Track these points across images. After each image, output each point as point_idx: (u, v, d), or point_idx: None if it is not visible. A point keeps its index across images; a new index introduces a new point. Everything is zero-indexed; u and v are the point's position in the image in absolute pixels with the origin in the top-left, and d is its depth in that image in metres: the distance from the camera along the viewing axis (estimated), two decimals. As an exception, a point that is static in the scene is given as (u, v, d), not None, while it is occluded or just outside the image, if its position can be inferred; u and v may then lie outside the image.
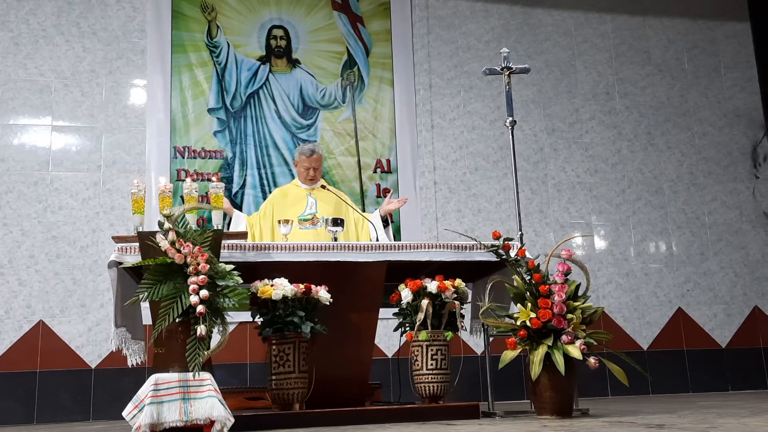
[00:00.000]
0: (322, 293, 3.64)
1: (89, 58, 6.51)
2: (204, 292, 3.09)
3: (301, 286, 3.58)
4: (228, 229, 4.73)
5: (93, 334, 5.99)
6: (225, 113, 6.64)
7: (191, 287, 3.09)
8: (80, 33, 6.53)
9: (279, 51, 6.87)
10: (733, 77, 7.73)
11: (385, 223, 5.09)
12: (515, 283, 3.72)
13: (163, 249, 3.15)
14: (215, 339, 3.11)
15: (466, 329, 4.06)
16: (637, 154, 7.35)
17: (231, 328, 3.33)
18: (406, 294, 3.86)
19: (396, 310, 3.99)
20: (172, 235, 3.17)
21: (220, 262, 3.27)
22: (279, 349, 3.58)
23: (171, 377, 3.05)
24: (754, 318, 7.15)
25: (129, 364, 3.85)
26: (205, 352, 3.07)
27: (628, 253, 7.09)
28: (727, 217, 7.37)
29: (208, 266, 3.14)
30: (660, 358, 6.84)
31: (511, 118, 4.68)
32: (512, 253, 3.91)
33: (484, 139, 7.06)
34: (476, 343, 6.30)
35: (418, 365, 3.85)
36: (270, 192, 5.99)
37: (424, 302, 3.80)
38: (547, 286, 3.61)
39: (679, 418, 3.21)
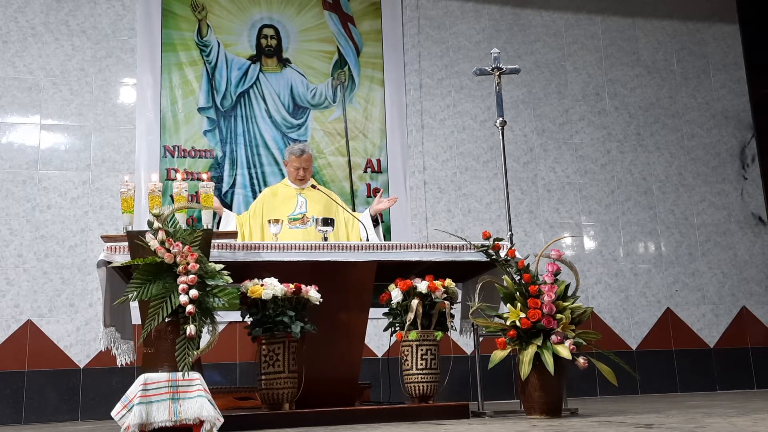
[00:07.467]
0: (312, 293, 3.64)
1: (78, 56, 6.48)
2: (193, 292, 3.08)
3: (291, 285, 3.57)
4: (218, 228, 4.72)
5: (81, 334, 5.96)
6: (215, 112, 6.62)
7: (181, 287, 3.08)
8: (69, 31, 6.50)
9: (269, 50, 6.86)
10: (722, 79, 7.77)
11: (375, 222, 5.10)
12: (505, 283, 3.73)
13: (152, 248, 3.14)
14: (205, 339, 3.10)
15: (455, 329, 4.07)
16: (627, 155, 7.39)
17: (220, 327, 3.33)
18: (396, 294, 3.86)
19: (386, 309, 3.99)
20: (161, 235, 3.16)
21: (210, 261, 3.26)
22: (269, 348, 3.58)
23: (160, 377, 3.04)
24: (742, 318, 7.20)
25: (118, 363, 3.84)
26: (195, 352, 3.06)
27: (617, 254, 7.12)
28: (715, 217, 7.41)
29: (198, 266, 3.13)
30: (648, 358, 6.87)
31: (501, 119, 4.69)
32: (502, 254, 3.92)
33: (475, 139, 7.07)
34: (466, 343, 6.31)
35: (407, 365, 3.86)
36: (260, 191, 5.98)
37: (414, 302, 3.80)
38: (537, 286, 3.62)
39: (668, 418, 3.22)
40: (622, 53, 7.62)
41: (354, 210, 6.19)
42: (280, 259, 3.80)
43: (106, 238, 3.66)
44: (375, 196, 6.11)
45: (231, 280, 3.26)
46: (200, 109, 6.60)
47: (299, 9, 6.99)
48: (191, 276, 3.10)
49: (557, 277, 3.68)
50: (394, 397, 4.41)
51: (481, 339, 4.17)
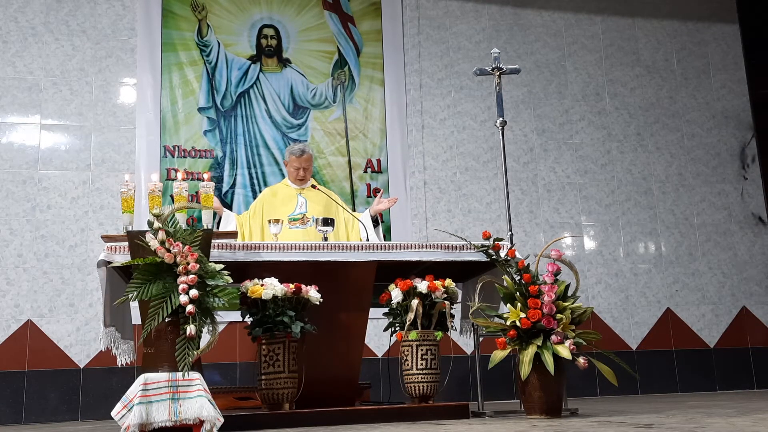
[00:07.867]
0: (312, 293, 3.64)
1: (78, 56, 6.48)
2: (193, 292, 3.08)
3: (291, 285, 3.57)
4: (218, 228, 4.72)
5: (82, 334, 5.96)
6: (215, 112, 6.62)
7: (181, 287, 3.08)
8: (69, 31, 6.50)
9: (269, 50, 6.86)
10: (722, 79, 7.77)
11: (375, 222, 5.09)
12: (505, 284, 3.73)
13: (152, 248, 3.14)
14: (205, 339, 3.10)
15: (456, 329, 4.07)
16: (627, 155, 7.39)
17: (221, 327, 3.33)
18: (396, 294, 3.86)
19: (386, 309, 3.99)
20: (161, 235, 3.16)
21: (210, 261, 3.26)
22: (269, 348, 3.58)
23: (160, 377, 3.04)
24: (742, 318, 7.20)
25: (118, 363, 3.84)
26: (195, 352, 3.06)
27: (618, 254, 7.12)
28: (715, 217, 7.41)
29: (198, 266, 3.13)
30: (649, 358, 6.87)
31: (501, 119, 4.69)
32: (502, 254, 3.92)
33: (475, 139, 7.07)
34: (466, 343, 6.31)
35: (407, 365, 3.86)
36: (260, 191, 5.98)
37: (414, 302, 3.80)
38: (537, 287, 3.61)
39: (668, 418, 3.22)
40: (622, 53, 7.62)
41: (354, 210, 6.19)
42: (280, 259, 3.80)
43: (106, 238, 3.66)
44: (375, 196, 6.11)
45: (231, 280, 3.26)
46: (200, 109, 6.60)
47: (299, 9, 6.99)
48: (191, 276, 3.10)
49: (557, 277, 3.68)
50: (394, 397, 4.41)
51: (481, 339, 4.17)
